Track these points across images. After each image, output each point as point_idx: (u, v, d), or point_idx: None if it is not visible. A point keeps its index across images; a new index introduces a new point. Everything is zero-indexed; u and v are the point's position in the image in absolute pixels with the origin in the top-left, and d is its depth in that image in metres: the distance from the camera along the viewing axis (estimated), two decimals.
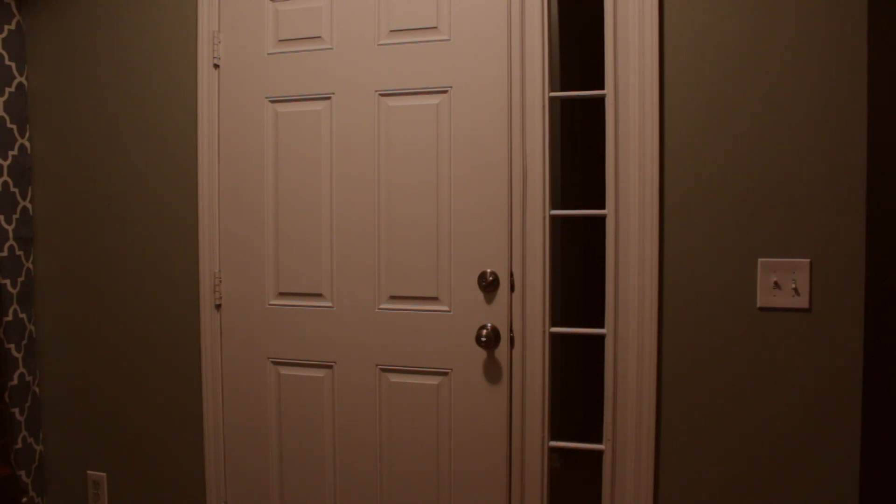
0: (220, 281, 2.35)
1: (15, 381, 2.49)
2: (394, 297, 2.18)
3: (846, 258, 1.80)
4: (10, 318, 2.48)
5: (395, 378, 2.19)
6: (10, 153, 2.49)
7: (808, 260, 1.82)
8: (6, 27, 2.48)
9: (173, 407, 2.44)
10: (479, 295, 2.09)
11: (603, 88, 1.98)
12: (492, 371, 2.09)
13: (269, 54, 2.27)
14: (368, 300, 2.20)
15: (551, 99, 2.05)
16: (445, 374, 2.13)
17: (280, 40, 2.25)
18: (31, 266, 2.58)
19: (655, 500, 1.96)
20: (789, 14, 1.82)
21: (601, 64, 1.98)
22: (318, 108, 2.23)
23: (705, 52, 1.88)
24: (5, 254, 2.47)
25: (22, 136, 2.54)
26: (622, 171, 1.96)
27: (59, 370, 2.60)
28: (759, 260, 1.87)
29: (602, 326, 2.01)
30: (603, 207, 2.00)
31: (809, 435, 1.84)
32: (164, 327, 2.44)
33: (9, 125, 2.49)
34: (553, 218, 2.07)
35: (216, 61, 2.32)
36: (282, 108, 2.26)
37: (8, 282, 2.47)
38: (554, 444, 2.09)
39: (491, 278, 2.07)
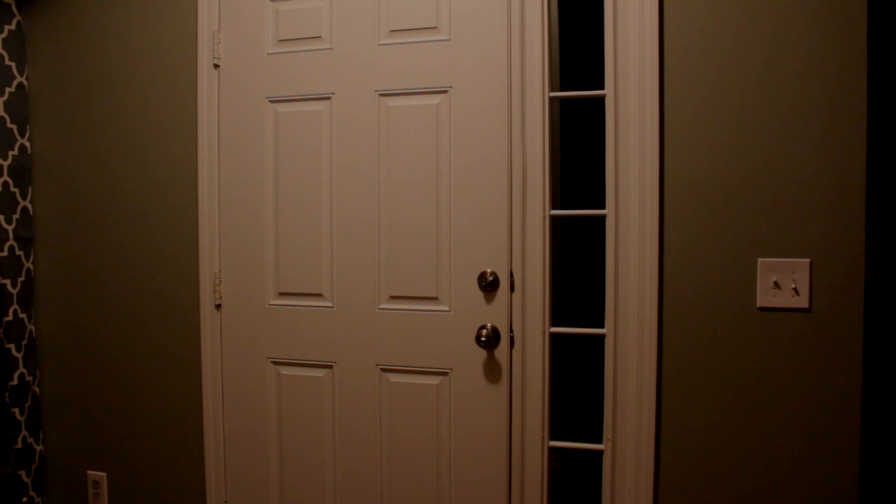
0: (220, 281, 2.35)
1: (15, 381, 2.49)
2: (394, 297, 2.18)
3: (846, 258, 1.80)
4: (10, 318, 2.48)
5: (395, 378, 2.19)
6: (10, 153, 2.49)
7: (808, 260, 1.82)
8: (6, 27, 2.48)
9: (173, 407, 2.44)
10: (479, 295, 2.09)
11: (603, 88, 1.98)
12: (492, 371, 2.09)
13: (269, 54, 2.27)
14: (368, 300, 2.20)
15: (551, 99, 2.05)
16: (445, 374, 2.13)
17: (280, 40, 2.25)
18: (31, 266, 2.58)
19: (655, 500, 1.96)
20: (789, 14, 1.82)
21: (601, 64, 1.98)
22: (318, 108, 2.23)
23: (705, 51, 1.89)
24: (5, 254, 2.47)
25: (22, 136, 2.54)
26: (622, 171, 1.96)
27: (59, 370, 2.60)
28: (759, 260, 1.87)
29: (602, 326, 2.01)
30: (603, 207, 2.00)
31: (809, 434, 1.84)
32: (164, 327, 2.44)
33: (9, 125, 2.49)
34: (553, 218, 2.07)
35: (216, 61, 2.32)
36: (282, 108, 2.26)
37: (8, 282, 2.47)
38: (554, 444, 2.09)
39: (491, 278, 2.06)
